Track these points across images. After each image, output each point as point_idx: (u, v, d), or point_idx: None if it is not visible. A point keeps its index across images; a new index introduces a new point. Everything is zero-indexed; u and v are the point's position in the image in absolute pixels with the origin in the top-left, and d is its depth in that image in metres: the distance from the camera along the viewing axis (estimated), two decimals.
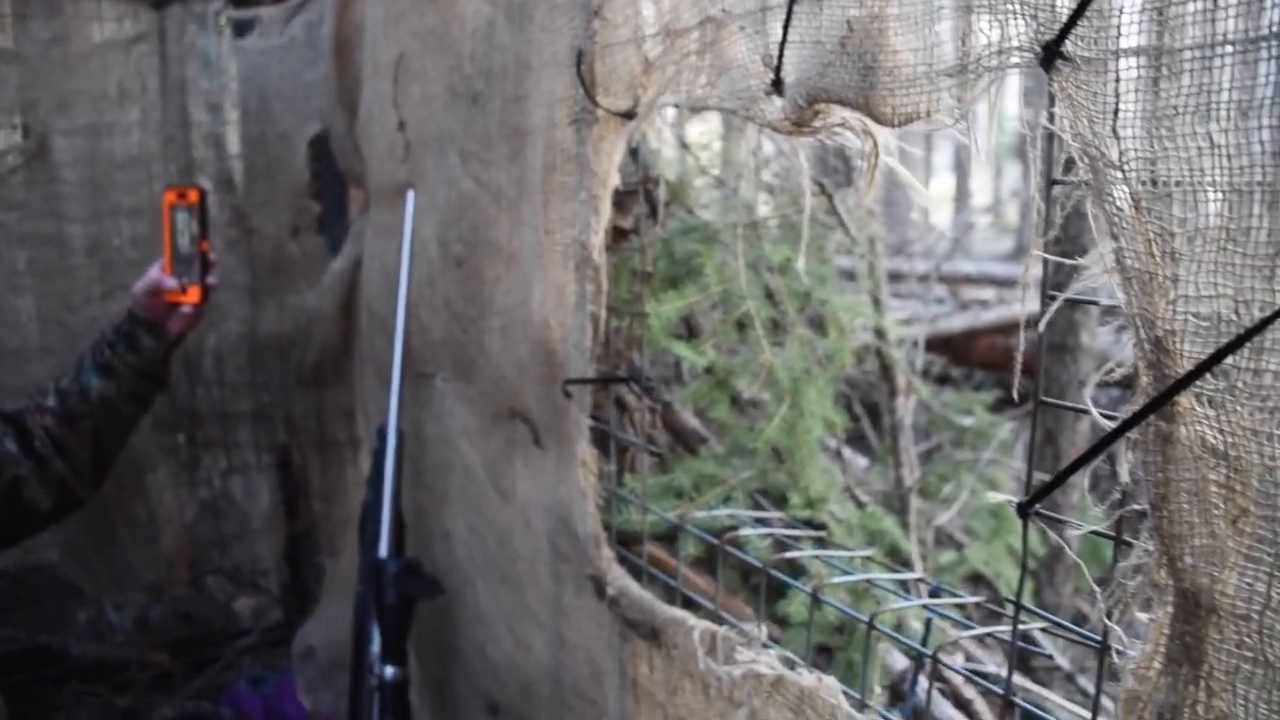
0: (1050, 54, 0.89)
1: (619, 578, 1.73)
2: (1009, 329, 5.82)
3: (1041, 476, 1.03)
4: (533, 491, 1.98)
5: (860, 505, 1.99)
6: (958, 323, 5.90)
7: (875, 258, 2.26)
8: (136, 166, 3.02)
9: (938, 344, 5.20)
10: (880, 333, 2.23)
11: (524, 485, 2.03)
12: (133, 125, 3.01)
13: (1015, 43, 0.94)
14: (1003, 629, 1.15)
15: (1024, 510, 0.97)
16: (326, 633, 3.13)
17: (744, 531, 1.60)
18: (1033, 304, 0.98)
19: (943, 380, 4.91)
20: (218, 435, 3.22)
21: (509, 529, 2.12)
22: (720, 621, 1.44)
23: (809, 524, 1.83)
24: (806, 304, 1.92)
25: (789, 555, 1.53)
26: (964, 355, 5.84)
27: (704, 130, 3.03)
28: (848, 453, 2.88)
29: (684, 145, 2.62)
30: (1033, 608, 1.06)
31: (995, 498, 1.03)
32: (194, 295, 2.17)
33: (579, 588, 1.86)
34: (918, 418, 2.92)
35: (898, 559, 1.95)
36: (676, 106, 1.52)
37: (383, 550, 2.39)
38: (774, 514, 1.79)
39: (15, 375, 2.93)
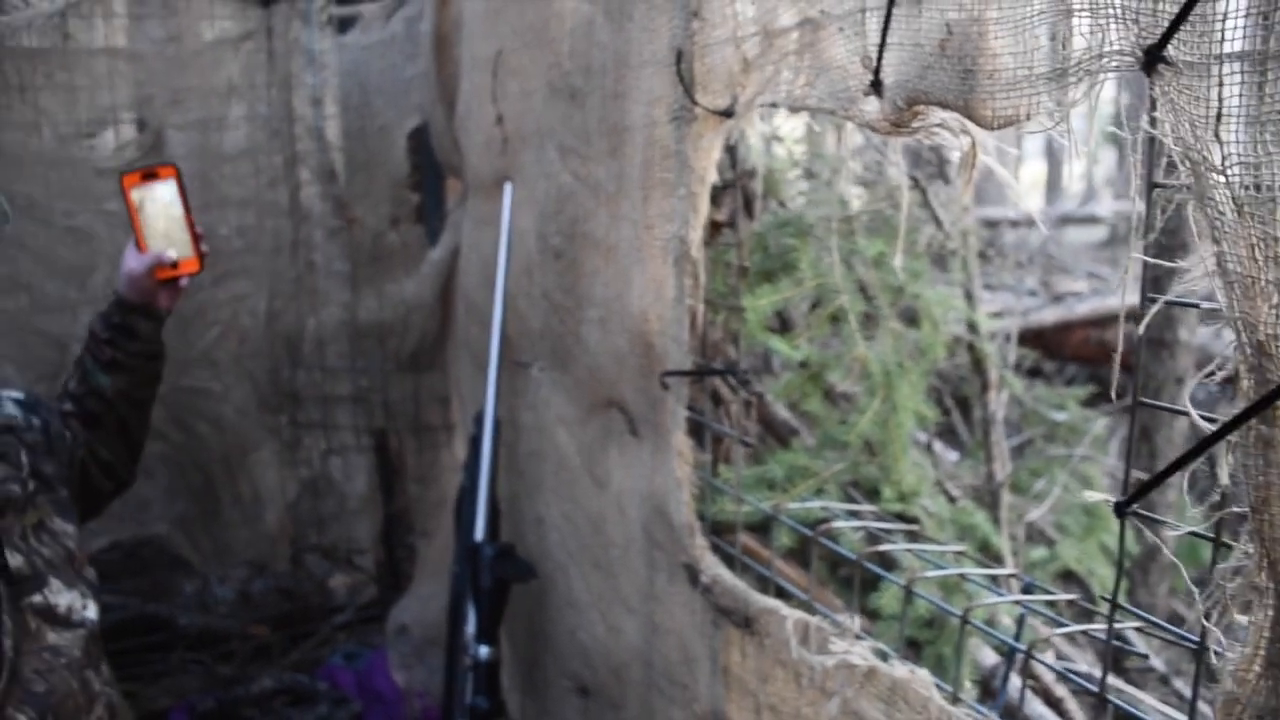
0: (1152, 58, 0.90)
1: (712, 566, 1.76)
2: (1103, 322, 5.72)
3: (1139, 475, 1.04)
4: (628, 480, 2.02)
5: (951, 500, 1.99)
6: (1050, 315, 5.81)
7: (968, 251, 2.25)
8: (243, 159, 3.13)
9: (1030, 337, 5.13)
10: (972, 326, 2.22)
11: (619, 474, 2.07)
12: (240, 119, 3.11)
13: (1115, 47, 0.95)
14: (1097, 628, 1.15)
15: (1121, 509, 0.98)
16: (419, 611, 3.21)
17: (837, 524, 1.62)
18: (1131, 299, 0.99)
19: (1035, 374, 4.85)
20: (318, 417, 3.32)
21: (603, 516, 2.16)
22: (813, 612, 1.47)
23: (901, 517, 1.84)
24: (899, 298, 1.93)
25: (881, 549, 1.54)
26: (1057, 349, 5.76)
27: (793, 124, 3.04)
28: (938, 446, 2.88)
29: (775, 139, 2.64)
30: (1129, 607, 1.07)
31: (1092, 496, 1.04)
32: (192, 266, 2.15)
33: (672, 575, 1.89)
34: (1009, 412, 2.89)
35: (989, 554, 1.96)
36: (774, 105, 1.54)
37: (479, 534, 2.45)
38: (866, 507, 1.81)
39: None
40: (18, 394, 1.85)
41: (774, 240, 1.98)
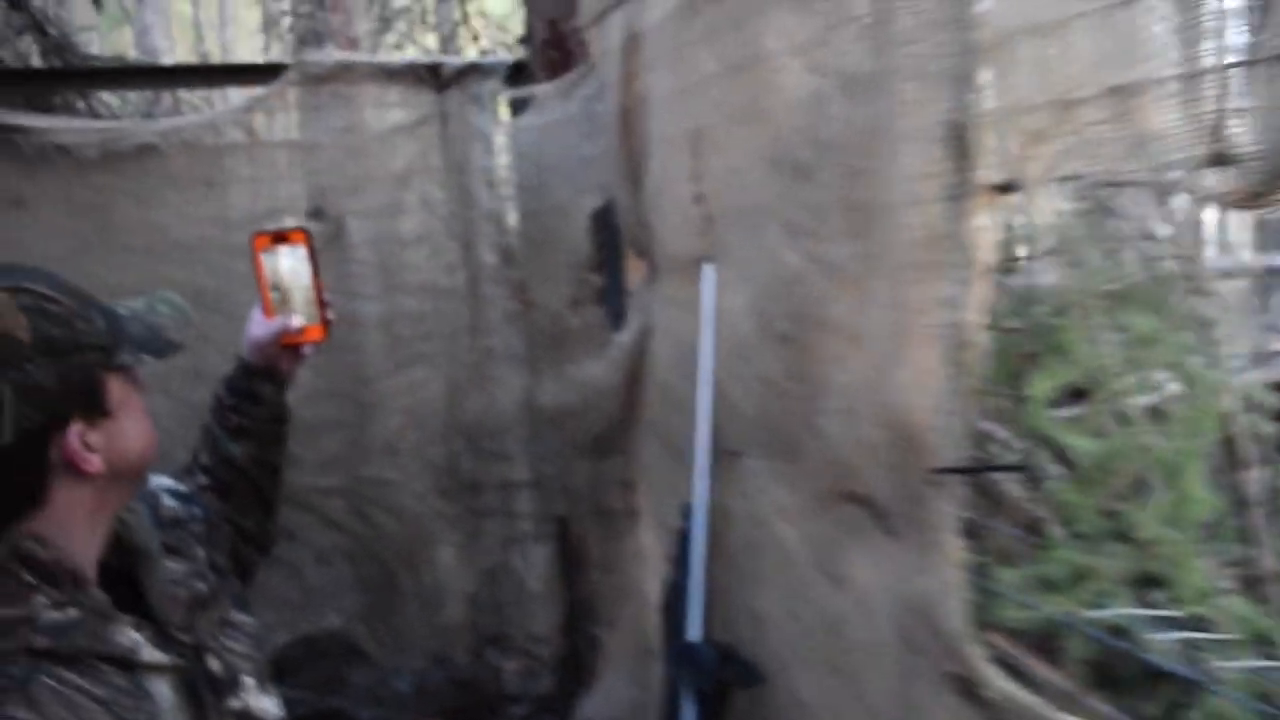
0: None
1: (995, 678, 1.61)
2: None
3: None
4: (876, 579, 1.89)
5: (1243, 596, 1.81)
6: None
7: (1229, 314, 2.08)
8: (420, 245, 3.10)
9: None
10: (1244, 401, 2.05)
11: (864, 573, 1.93)
12: (417, 205, 3.09)
13: None
14: None
15: None
16: (605, 707, 3.10)
17: (1144, 635, 1.46)
18: None
19: None
20: (498, 504, 3.25)
21: (841, 616, 2.02)
22: None
23: (1194, 620, 1.68)
24: (1176, 375, 1.78)
25: (1205, 665, 1.39)
26: None
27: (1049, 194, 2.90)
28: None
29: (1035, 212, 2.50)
30: None
31: None
32: (317, 334, 2.09)
33: (936, 685, 1.75)
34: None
35: None
36: (1072, 179, 1.42)
37: (693, 632, 2.33)
38: (1166, 612, 1.64)
39: (308, 448, 3.02)
40: (170, 483, 1.80)
41: (1037, 317, 1.85)
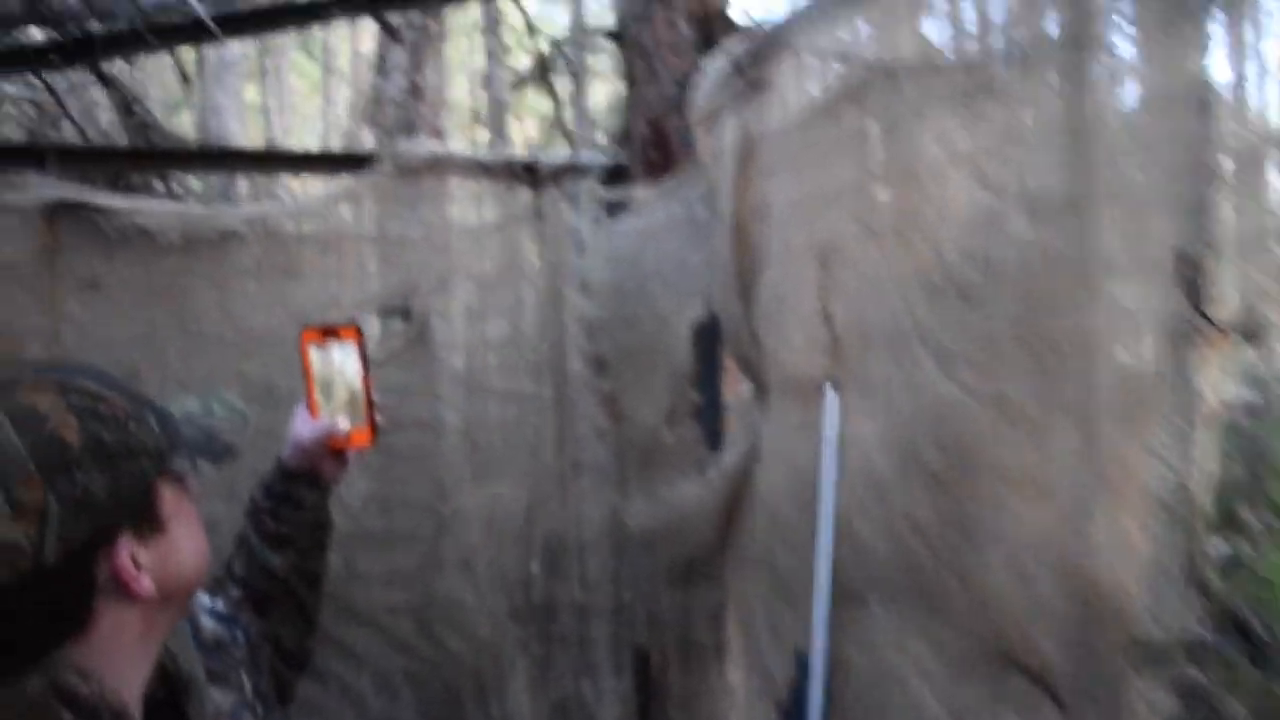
0: None
1: None
2: None
3: None
4: None
5: None
6: None
7: None
8: (508, 349, 2.93)
9: None
10: None
11: None
12: (507, 307, 2.93)
13: None
14: None
15: None
16: None
17: None
18: None
19: None
20: (573, 630, 3.01)
21: None
22: None
23: None
24: None
25: None
26: None
27: None
28: None
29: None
30: None
31: None
32: (364, 438, 1.89)
33: None
34: None
35: None
36: None
37: None
38: None
39: (378, 563, 2.82)
40: (208, 602, 1.62)
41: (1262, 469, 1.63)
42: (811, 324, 2.31)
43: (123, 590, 1.17)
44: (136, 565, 1.18)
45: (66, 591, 1.15)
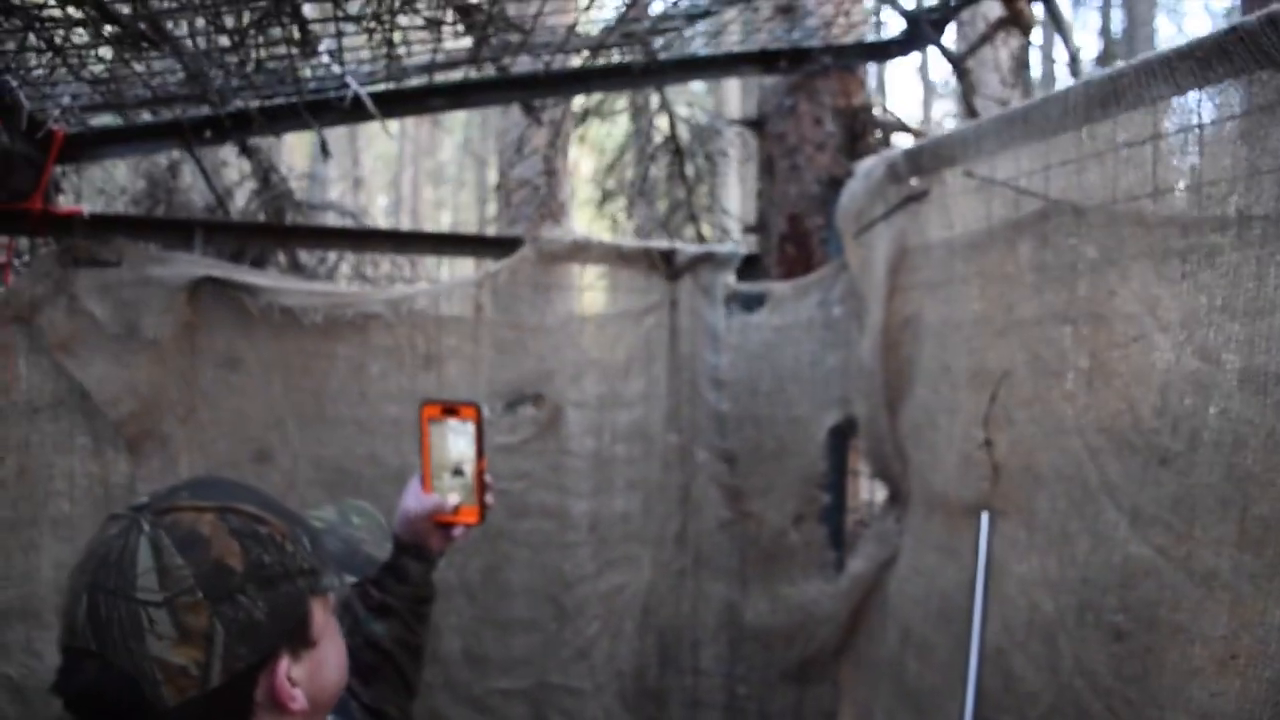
0: None
1: None
2: None
3: None
4: None
5: None
6: None
7: None
8: (636, 440, 2.91)
9: None
10: None
11: None
12: (637, 398, 2.91)
13: None
14: None
15: None
16: None
17: None
18: None
19: None
20: None
21: None
22: None
23: None
24: None
25: None
26: None
27: None
28: None
29: None
30: None
31: None
32: (472, 516, 1.96)
33: None
34: None
35: None
36: None
37: None
38: None
39: (496, 648, 2.80)
40: None
41: None
42: (967, 448, 2.28)
43: (278, 707, 1.20)
44: (291, 683, 1.21)
45: (227, 712, 1.17)
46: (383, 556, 1.70)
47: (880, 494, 2.87)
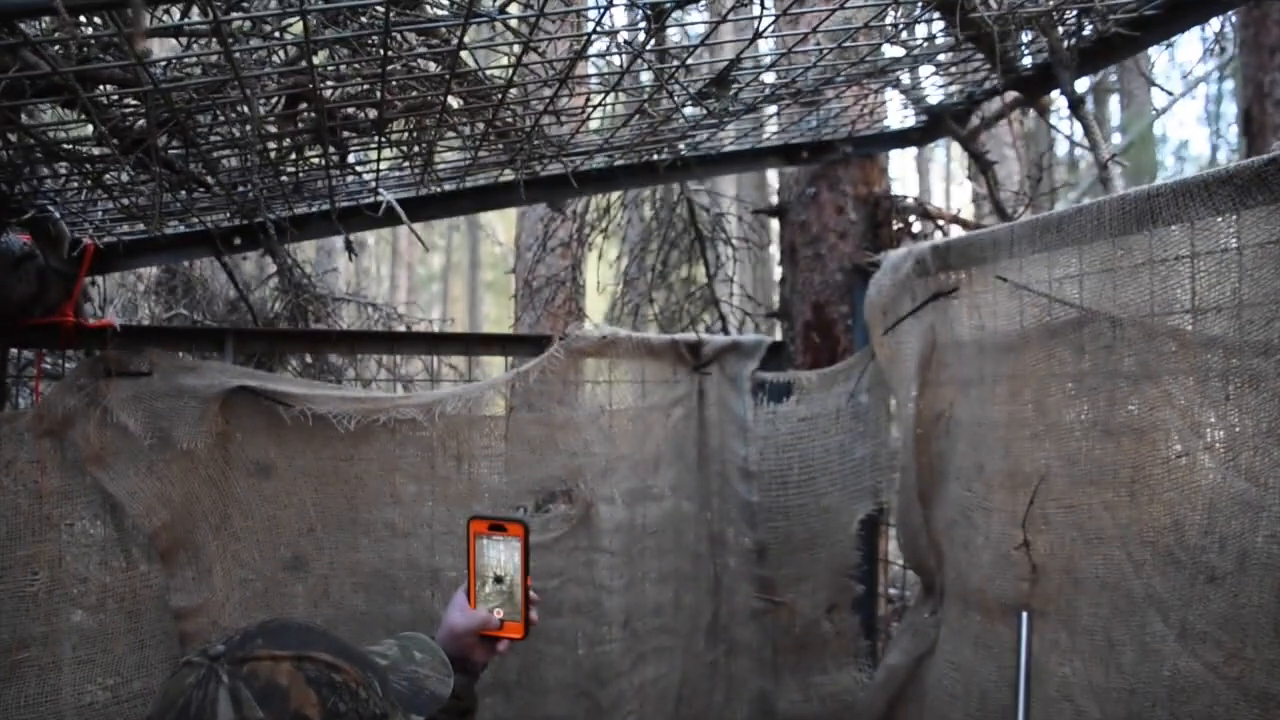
0: None
1: None
2: None
3: None
4: None
5: None
6: None
7: None
8: (667, 532, 2.91)
9: None
10: None
11: None
12: (667, 490, 2.91)
13: None
14: None
15: None
16: None
17: None
18: None
19: None
20: None
21: None
22: None
23: None
24: None
25: None
26: None
27: None
28: None
29: None
30: None
31: None
32: (517, 631, 2.02)
33: None
34: None
35: None
36: None
37: None
38: None
39: None
40: None
41: None
42: (1005, 547, 2.28)
43: None
44: None
45: None
46: (446, 693, 1.72)
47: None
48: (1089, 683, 2.07)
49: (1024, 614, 2.22)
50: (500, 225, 20.62)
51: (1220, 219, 1.80)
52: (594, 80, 2.90)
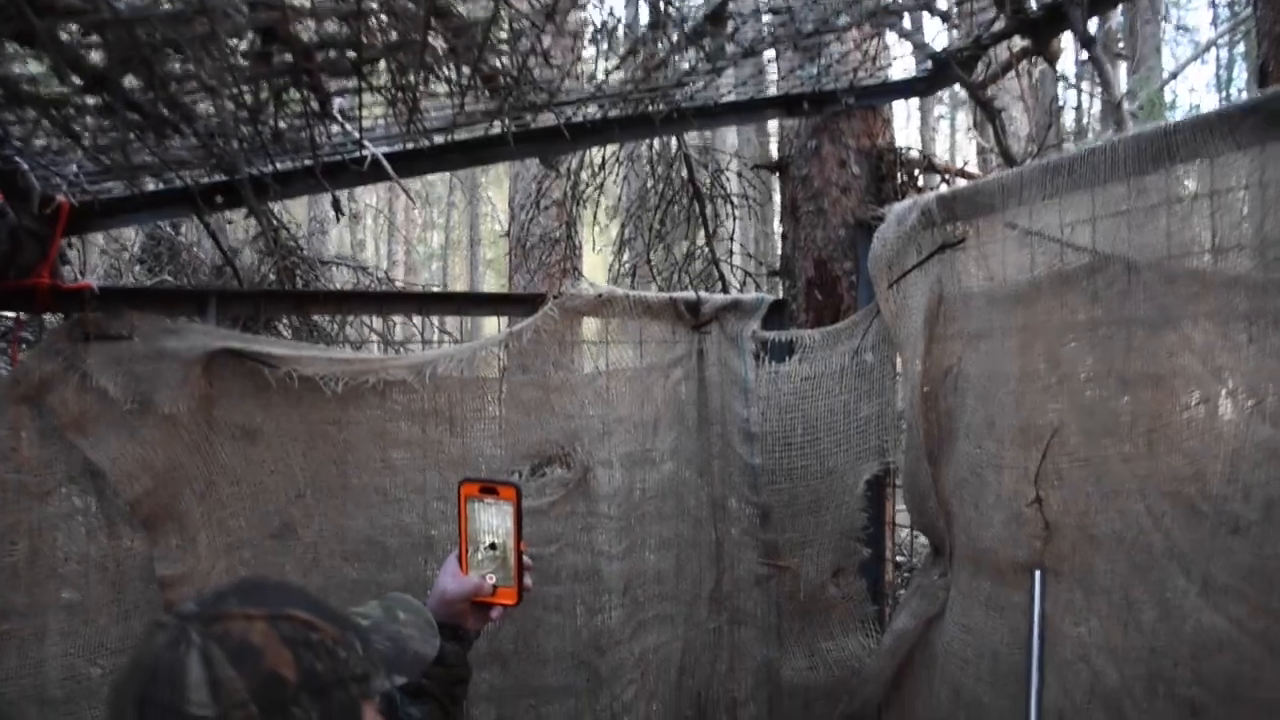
0: None
1: None
2: None
3: None
4: None
5: None
6: None
7: None
8: (667, 497, 2.83)
9: None
10: None
11: None
12: (666, 454, 2.83)
13: None
14: None
15: None
16: None
17: None
18: None
19: None
20: None
21: None
22: None
23: None
24: None
25: None
26: None
27: None
28: None
29: None
30: None
31: None
32: (510, 597, 1.93)
33: None
34: None
35: None
36: None
37: None
38: None
39: (533, 716, 2.72)
40: None
41: None
42: (1016, 505, 2.21)
43: None
44: None
45: None
46: (431, 653, 1.65)
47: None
48: (1106, 643, 1.99)
49: (1037, 573, 2.14)
50: (500, 201, 20.52)
51: (1243, 153, 1.71)
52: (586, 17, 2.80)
